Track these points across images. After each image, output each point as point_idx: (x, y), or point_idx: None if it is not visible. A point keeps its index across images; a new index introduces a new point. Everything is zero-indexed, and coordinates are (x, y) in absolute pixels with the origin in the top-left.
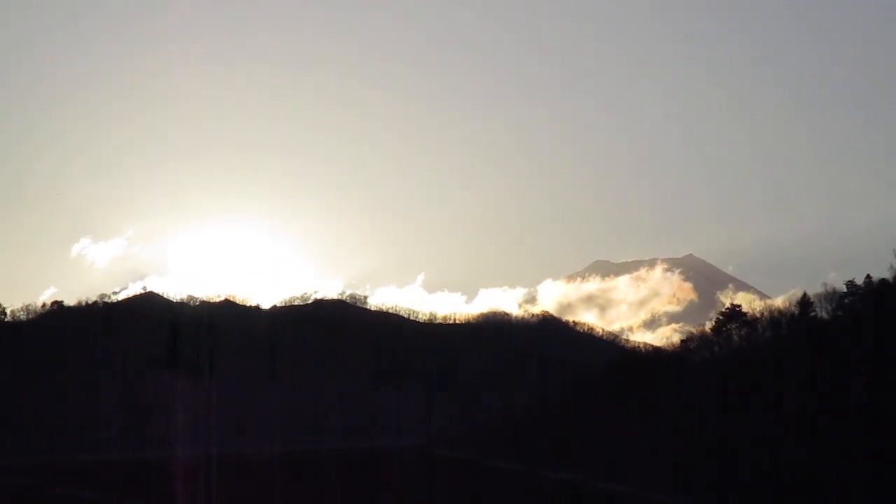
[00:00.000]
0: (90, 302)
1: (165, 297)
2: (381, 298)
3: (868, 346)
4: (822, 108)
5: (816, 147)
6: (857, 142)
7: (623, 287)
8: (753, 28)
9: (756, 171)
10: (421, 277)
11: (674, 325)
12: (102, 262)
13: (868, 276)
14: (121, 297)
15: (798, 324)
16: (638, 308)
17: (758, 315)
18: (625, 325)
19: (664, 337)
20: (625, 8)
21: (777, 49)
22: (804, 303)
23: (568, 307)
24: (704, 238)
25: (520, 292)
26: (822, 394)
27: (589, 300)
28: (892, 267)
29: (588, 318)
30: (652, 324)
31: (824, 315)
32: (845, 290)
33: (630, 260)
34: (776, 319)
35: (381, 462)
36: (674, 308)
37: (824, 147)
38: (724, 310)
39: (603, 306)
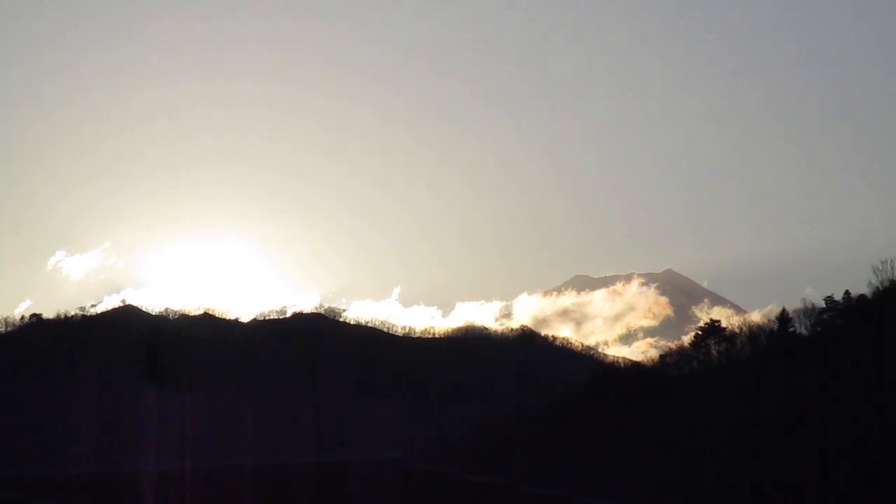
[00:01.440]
0: (69, 315)
1: (144, 310)
2: (357, 312)
3: (849, 362)
4: (801, 126)
5: (794, 164)
6: (833, 159)
7: (599, 301)
8: (732, 47)
9: (735, 187)
10: (397, 291)
11: (649, 340)
12: (78, 275)
13: (847, 292)
14: (99, 309)
15: (777, 339)
16: (613, 322)
17: (736, 330)
18: (600, 339)
19: (640, 351)
20: (606, 25)
21: (756, 66)
22: (783, 318)
23: (543, 321)
24: (684, 254)
25: (496, 306)
26: (802, 409)
27: (564, 314)
28: (870, 283)
29: (563, 333)
30: (627, 338)
31: (803, 330)
32: (824, 305)
33: (610, 275)
34: (755, 334)
35: (358, 476)
36: (649, 322)
37: (801, 164)
38: (702, 325)
39: (578, 320)
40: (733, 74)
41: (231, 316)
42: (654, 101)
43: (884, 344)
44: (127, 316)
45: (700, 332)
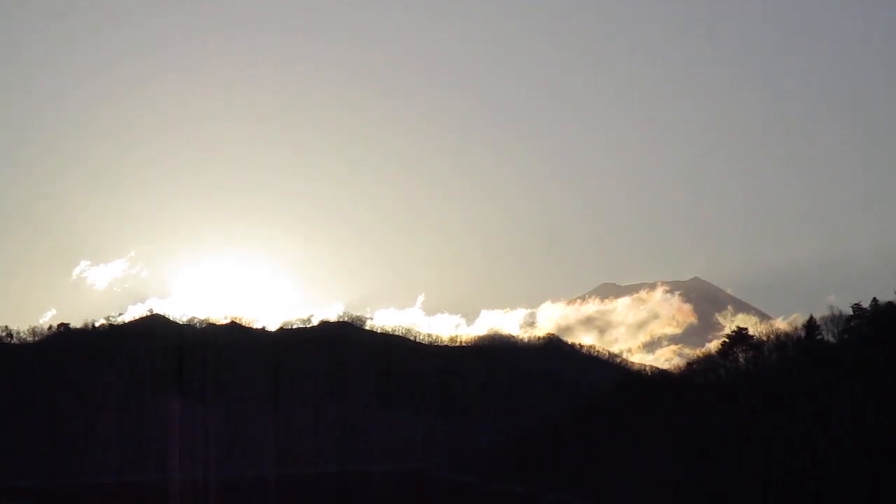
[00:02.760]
0: (96, 324)
1: (171, 319)
2: (381, 320)
3: (878, 370)
4: (825, 133)
5: (819, 171)
6: (858, 166)
7: (623, 309)
8: (753, 54)
9: (761, 194)
10: (420, 299)
11: (673, 347)
12: (102, 285)
13: (874, 300)
14: (127, 318)
15: (805, 347)
16: (637, 330)
17: (764, 338)
18: (624, 346)
19: (664, 359)
20: (623, 29)
21: (779, 73)
22: (810, 326)
23: (567, 329)
24: (712, 262)
25: (521, 314)
26: (831, 417)
27: (588, 322)
28: None
29: (587, 341)
30: (651, 345)
31: (831, 338)
32: (851, 312)
33: (637, 283)
34: (782, 342)
35: (383, 485)
36: (673, 330)
37: (827, 171)
38: (729, 332)
39: (602, 328)
40: (758, 82)
41: (258, 325)
42: (681, 109)
43: None
44: (154, 325)
45: (727, 340)
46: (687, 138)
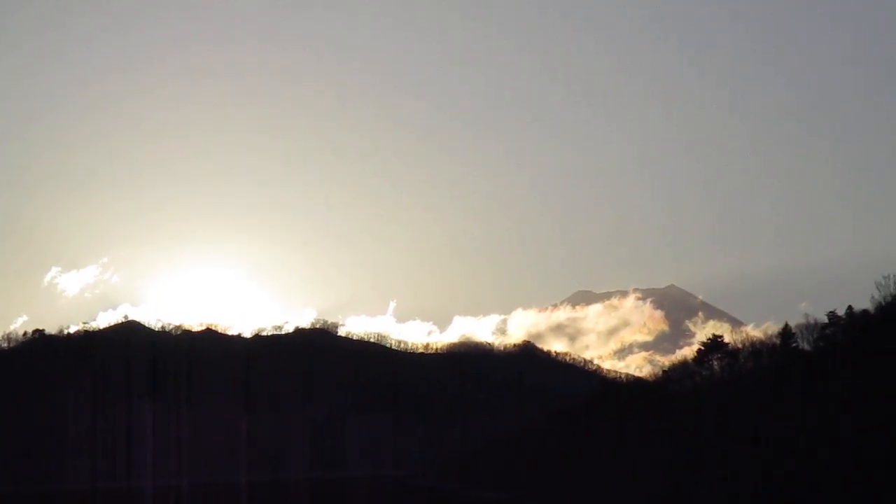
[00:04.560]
0: (71, 331)
1: (147, 325)
2: (352, 327)
3: (853, 378)
4: (799, 138)
5: (791, 178)
6: (830, 173)
7: (594, 316)
8: (728, 63)
9: (736, 200)
10: (392, 306)
11: (644, 354)
12: (74, 291)
13: (850, 308)
14: (102, 325)
15: (780, 355)
16: (608, 337)
17: (739, 346)
18: (594, 354)
19: (635, 366)
20: (600, 37)
21: (750, 82)
22: (785, 333)
23: (538, 336)
24: (688, 269)
25: (493, 320)
26: (806, 425)
27: (559, 329)
28: (873, 298)
29: (558, 348)
30: (622, 352)
31: (806, 346)
32: (826, 320)
33: (612, 290)
34: (757, 350)
35: (358, 492)
36: (644, 337)
37: (798, 178)
38: (705, 340)
39: (573, 336)
40: (731, 90)
41: (232, 332)
42: (653, 117)
43: (889, 359)
44: (128, 332)
45: (703, 348)
46: (661, 146)
